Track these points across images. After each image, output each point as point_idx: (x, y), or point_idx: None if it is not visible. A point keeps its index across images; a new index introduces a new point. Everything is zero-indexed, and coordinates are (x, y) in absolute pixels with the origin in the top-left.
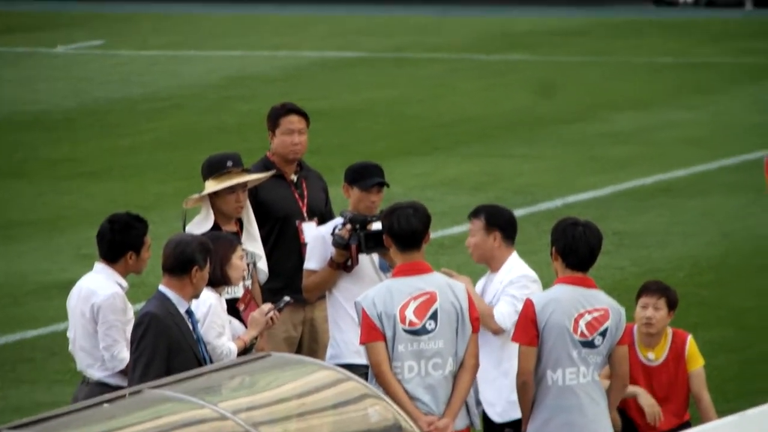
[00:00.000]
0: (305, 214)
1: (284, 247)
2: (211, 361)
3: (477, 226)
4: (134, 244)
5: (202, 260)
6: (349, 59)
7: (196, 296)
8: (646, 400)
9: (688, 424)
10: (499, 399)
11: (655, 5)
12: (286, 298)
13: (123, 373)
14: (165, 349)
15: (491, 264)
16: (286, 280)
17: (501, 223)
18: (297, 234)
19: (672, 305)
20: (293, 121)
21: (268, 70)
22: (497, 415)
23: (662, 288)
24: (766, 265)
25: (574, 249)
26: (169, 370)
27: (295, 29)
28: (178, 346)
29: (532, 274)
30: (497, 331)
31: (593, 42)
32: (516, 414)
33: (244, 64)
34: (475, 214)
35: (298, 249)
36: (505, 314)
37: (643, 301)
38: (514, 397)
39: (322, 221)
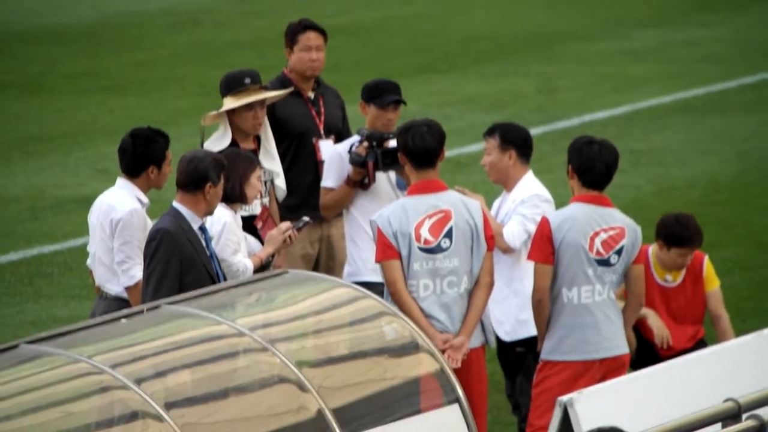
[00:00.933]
0: (322, 132)
1: (301, 164)
2: (225, 278)
3: (492, 144)
4: (156, 158)
5: (216, 177)
6: None
7: (210, 213)
8: (655, 321)
9: (702, 342)
10: (508, 318)
11: None
12: (305, 218)
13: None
14: (177, 264)
15: (507, 183)
16: (302, 197)
17: (516, 141)
18: (314, 151)
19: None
20: (311, 37)
21: None
22: (506, 334)
23: (700, 237)
24: None
25: (590, 167)
26: (182, 286)
27: None
28: (190, 262)
29: (545, 193)
30: (506, 250)
31: None
32: (525, 333)
33: None
34: (490, 132)
35: (315, 166)
36: (515, 233)
37: (681, 251)
38: (524, 316)
39: (339, 139)
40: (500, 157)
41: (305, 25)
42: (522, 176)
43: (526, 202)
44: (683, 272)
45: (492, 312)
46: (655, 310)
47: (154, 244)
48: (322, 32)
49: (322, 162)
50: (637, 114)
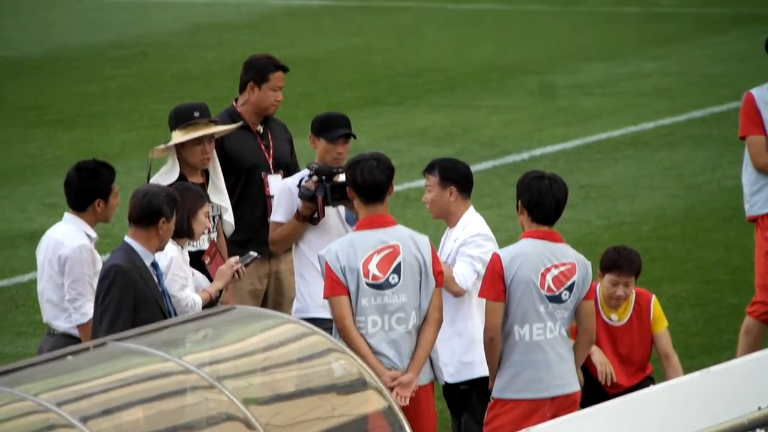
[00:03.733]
0: (271, 166)
1: (249, 199)
2: (176, 314)
3: (432, 181)
4: (102, 190)
5: (169, 212)
6: (314, 7)
7: (161, 248)
8: (599, 357)
9: (650, 379)
10: (452, 359)
11: None
12: (253, 253)
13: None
14: (131, 302)
15: (448, 219)
16: (251, 232)
17: (456, 177)
18: (263, 186)
19: (638, 274)
20: (280, 77)
21: (233, 17)
22: (449, 376)
23: (633, 265)
24: (733, 218)
25: (540, 203)
26: (135, 324)
27: None
28: (143, 299)
29: (487, 231)
30: (458, 293)
31: None
32: (468, 375)
33: (209, 11)
34: (429, 169)
35: (264, 201)
36: (466, 275)
37: (612, 278)
38: (467, 358)
39: (287, 173)
40: (441, 194)
41: (277, 65)
42: (464, 212)
43: (469, 242)
44: (629, 312)
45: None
46: (601, 348)
47: (108, 281)
48: (286, 72)
49: (270, 197)
50: (586, 148)
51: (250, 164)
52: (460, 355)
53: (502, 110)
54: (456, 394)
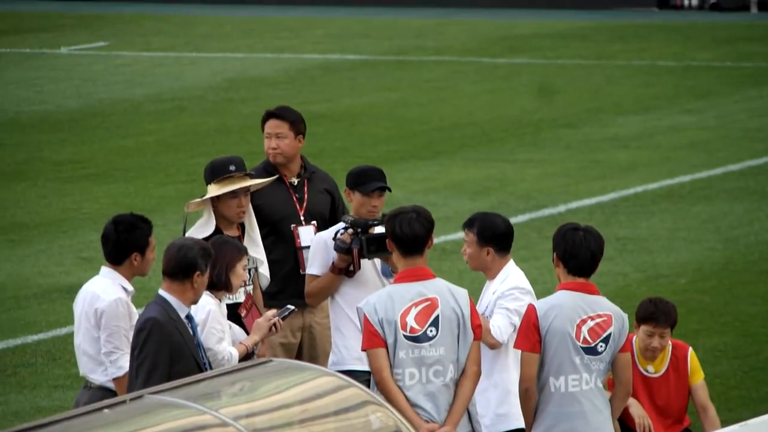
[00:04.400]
0: (302, 218)
1: (279, 251)
2: (212, 367)
3: (470, 238)
4: (139, 244)
5: (203, 265)
6: (351, 62)
7: (196, 301)
8: (637, 410)
9: (688, 431)
10: (488, 411)
11: (659, 9)
12: (290, 307)
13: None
14: (167, 355)
15: (487, 273)
16: (281, 284)
17: (494, 237)
18: (293, 238)
19: (674, 326)
20: (271, 125)
21: (270, 72)
22: (485, 428)
23: (668, 317)
24: None
25: (575, 254)
26: (171, 376)
27: (297, 32)
28: (179, 352)
29: (526, 284)
30: (494, 345)
31: (596, 45)
32: (504, 427)
33: (246, 66)
34: (469, 225)
35: (294, 253)
36: (502, 327)
37: (648, 329)
38: (503, 410)
39: (325, 224)
40: (478, 252)
41: (268, 113)
42: (503, 266)
43: (507, 295)
44: (666, 363)
45: None
46: (638, 399)
47: (144, 334)
48: (284, 119)
49: (300, 248)
50: (623, 200)
51: (279, 216)
52: (496, 407)
53: (537, 163)
54: None
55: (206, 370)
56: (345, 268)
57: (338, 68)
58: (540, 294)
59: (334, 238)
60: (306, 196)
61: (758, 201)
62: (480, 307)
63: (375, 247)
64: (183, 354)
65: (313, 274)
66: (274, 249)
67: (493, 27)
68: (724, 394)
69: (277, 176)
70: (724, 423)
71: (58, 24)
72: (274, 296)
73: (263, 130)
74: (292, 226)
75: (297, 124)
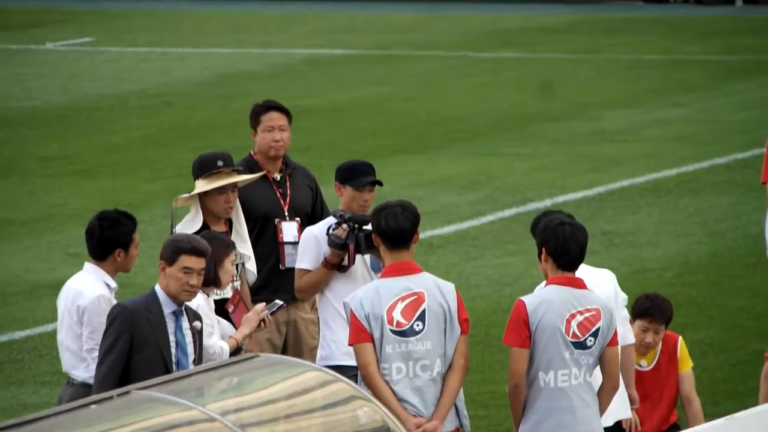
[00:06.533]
0: (286, 214)
1: (264, 246)
2: (180, 365)
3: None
4: (123, 241)
5: (167, 256)
6: (338, 57)
7: (172, 294)
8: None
9: (676, 426)
10: None
11: (645, 2)
12: (279, 302)
13: None
14: (128, 341)
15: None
16: (264, 279)
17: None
18: (276, 233)
19: (669, 322)
20: (273, 117)
21: (257, 67)
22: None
23: (664, 313)
24: (757, 264)
25: (566, 250)
26: (132, 365)
27: (284, 26)
28: (143, 342)
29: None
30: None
31: (583, 39)
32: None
33: (233, 61)
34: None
35: (277, 248)
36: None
37: (643, 324)
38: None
39: (308, 220)
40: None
41: (268, 106)
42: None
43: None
44: (657, 355)
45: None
46: None
47: (110, 319)
48: (285, 112)
49: (283, 244)
50: (609, 195)
51: (264, 212)
52: None
53: (524, 158)
54: None
55: (172, 366)
56: (338, 264)
57: (325, 63)
58: (527, 289)
59: (328, 234)
60: (289, 191)
61: (744, 194)
62: None
63: (371, 242)
64: (146, 345)
65: (304, 269)
66: (257, 244)
67: (481, 21)
68: (710, 388)
69: (263, 173)
70: (711, 416)
71: (43, 20)
72: (256, 292)
73: (258, 123)
74: (277, 220)
75: (291, 118)
